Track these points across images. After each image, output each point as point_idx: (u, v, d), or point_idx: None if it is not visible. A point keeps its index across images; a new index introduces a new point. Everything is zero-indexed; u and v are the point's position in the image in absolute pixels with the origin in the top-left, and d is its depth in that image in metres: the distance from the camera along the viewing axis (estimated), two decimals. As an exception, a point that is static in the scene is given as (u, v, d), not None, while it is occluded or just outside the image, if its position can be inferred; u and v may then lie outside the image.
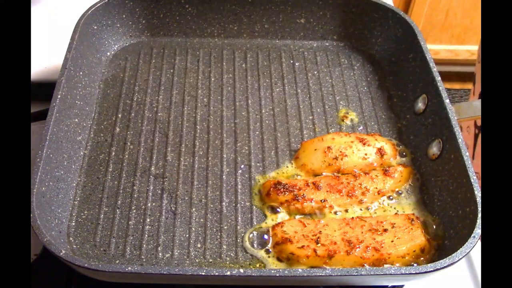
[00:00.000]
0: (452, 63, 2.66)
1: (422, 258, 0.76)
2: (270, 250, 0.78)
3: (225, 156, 0.91)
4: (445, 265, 0.67)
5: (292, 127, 0.96)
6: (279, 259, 0.76)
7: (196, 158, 0.90)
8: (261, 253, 0.78)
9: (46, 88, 0.91)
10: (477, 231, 0.70)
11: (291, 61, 1.08)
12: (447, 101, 0.87)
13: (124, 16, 1.07)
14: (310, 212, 0.82)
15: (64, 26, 1.05)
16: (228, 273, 0.66)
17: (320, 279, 0.69)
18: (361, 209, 0.83)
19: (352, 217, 0.80)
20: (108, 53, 1.06)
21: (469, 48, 2.58)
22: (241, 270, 0.66)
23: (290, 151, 0.92)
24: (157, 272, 0.66)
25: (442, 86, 0.89)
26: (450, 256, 0.68)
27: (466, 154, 0.79)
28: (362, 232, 0.77)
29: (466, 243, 0.69)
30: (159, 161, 0.89)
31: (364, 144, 0.89)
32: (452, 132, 0.83)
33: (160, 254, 0.78)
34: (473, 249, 0.69)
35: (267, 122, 0.97)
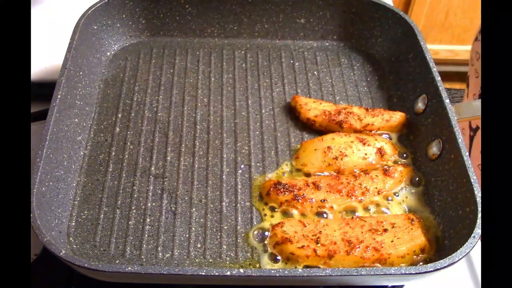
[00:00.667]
0: (452, 63, 2.67)
1: (422, 258, 0.76)
2: (270, 250, 0.77)
3: (225, 156, 0.91)
4: (445, 265, 0.67)
5: (292, 127, 0.96)
6: (278, 259, 0.76)
7: (196, 158, 0.90)
8: (261, 253, 0.78)
9: (46, 88, 0.91)
10: (477, 231, 0.70)
11: (291, 61, 1.08)
12: (447, 101, 0.87)
13: (124, 16, 1.07)
14: (310, 212, 0.82)
15: (64, 26, 1.05)
16: (228, 273, 0.66)
17: (320, 279, 0.69)
18: (361, 209, 0.83)
19: (352, 217, 0.80)
20: (108, 53, 1.06)
21: (469, 48, 2.58)
22: (241, 270, 0.66)
23: (290, 151, 0.92)
24: (157, 272, 0.66)
25: (442, 86, 0.89)
26: (450, 256, 0.68)
27: (466, 154, 0.79)
28: (362, 232, 0.77)
29: (466, 243, 0.69)
30: (159, 161, 0.89)
31: (364, 144, 0.89)
32: (452, 132, 0.83)
33: (160, 254, 0.78)
34: (473, 249, 0.69)
35: (267, 122, 0.97)
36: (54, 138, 0.82)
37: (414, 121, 0.94)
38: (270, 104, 1.00)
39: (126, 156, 0.90)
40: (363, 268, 0.69)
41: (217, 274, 0.66)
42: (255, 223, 0.82)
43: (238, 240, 0.79)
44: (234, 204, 0.84)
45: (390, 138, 0.94)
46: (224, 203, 0.84)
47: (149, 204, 0.83)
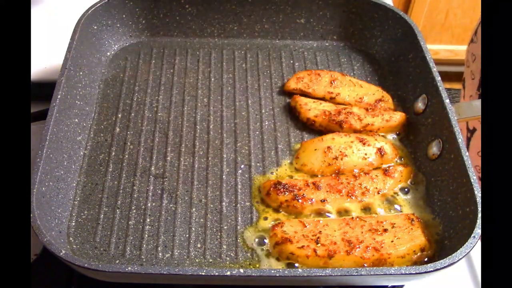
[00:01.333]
0: (452, 63, 2.66)
1: (422, 258, 0.76)
2: (270, 250, 0.77)
3: (225, 156, 0.91)
4: (445, 265, 0.67)
5: (292, 127, 0.96)
6: (278, 259, 0.76)
7: (196, 158, 0.90)
8: (261, 253, 0.78)
9: (46, 88, 0.91)
10: (477, 231, 0.70)
11: (291, 61, 1.08)
12: (447, 101, 0.87)
13: (124, 16, 1.07)
14: (310, 212, 0.82)
15: (64, 26, 1.05)
16: (228, 273, 0.66)
17: (320, 279, 0.69)
18: (361, 209, 0.83)
19: (352, 217, 0.80)
20: (108, 53, 1.06)
21: (469, 48, 2.58)
22: (241, 270, 0.66)
23: (290, 151, 0.92)
24: (157, 272, 0.66)
25: (442, 86, 0.89)
26: (450, 256, 0.68)
27: (466, 154, 0.79)
28: (362, 232, 0.77)
29: (466, 243, 0.69)
30: (159, 161, 0.89)
31: (364, 144, 0.89)
32: (452, 132, 0.83)
33: (160, 254, 0.78)
34: (473, 249, 0.69)
35: (267, 122, 0.97)
36: (54, 138, 0.82)
37: (414, 121, 0.94)
38: (270, 104, 1.00)
39: (126, 156, 0.90)
40: (363, 268, 0.69)
41: (217, 274, 0.66)
42: (255, 223, 0.82)
43: (238, 240, 0.79)
44: (234, 204, 0.84)
45: (390, 138, 0.94)
46: (224, 203, 0.84)
47: (149, 204, 0.83)
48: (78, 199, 0.84)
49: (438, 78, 0.90)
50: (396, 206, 0.84)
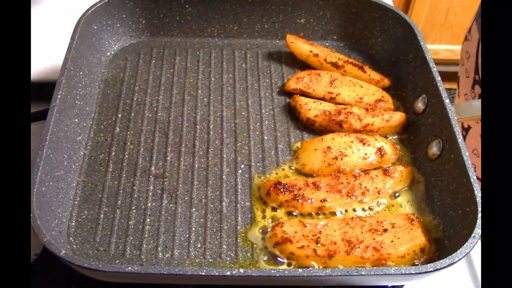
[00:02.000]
0: (452, 63, 2.66)
1: (422, 258, 0.76)
2: (270, 250, 0.77)
3: (225, 156, 0.91)
4: (445, 265, 0.67)
5: (292, 127, 0.96)
6: (278, 259, 0.76)
7: (196, 158, 0.90)
8: (261, 253, 0.78)
9: (46, 88, 0.91)
10: (477, 231, 0.70)
11: (291, 61, 1.08)
12: (447, 101, 0.87)
13: (124, 16, 1.07)
14: (310, 212, 0.82)
15: (64, 26, 1.05)
16: (228, 273, 0.66)
17: (320, 279, 0.69)
18: (361, 209, 0.83)
19: (352, 217, 0.80)
20: (108, 53, 1.06)
21: (469, 48, 2.58)
22: (241, 270, 0.66)
23: (290, 151, 0.92)
24: (157, 272, 0.66)
25: (442, 86, 0.89)
26: (450, 256, 0.68)
27: (466, 154, 0.79)
28: (362, 232, 0.77)
29: (466, 243, 0.69)
30: (159, 161, 0.89)
31: (364, 144, 0.89)
32: (452, 132, 0.83)
33: (160, 254, 0.78)
34: (473, 249, 0.69)
35: (267, 122, 0.97)
36: (54, 138, 0.82)
37: (414, 121, 0.94)
38: (270, 104, 1.00)
39: (126, 156, 0.90)
40: (363, 268, 0.69)
41: (217, 274, 0.66)
42: (255, 223, 0.82)
43: (238, 240, 0.79)
44: (234, 204, 0.84)
45: (390, 138, 0.94)
46: (224, 203, 0.84)
47: (149, 204, 0.83)
48: (78, 199, 0.84)
49: (438, 78, 0.90)
50: (396, 206, 0.84)
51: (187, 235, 0.80)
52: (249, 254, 0.78)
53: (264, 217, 0.82)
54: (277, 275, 0.66)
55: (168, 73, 1.05)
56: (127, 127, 0.94)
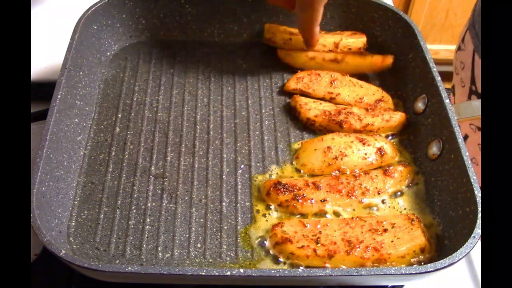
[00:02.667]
0: (452, 63, 2.66)
1: (422, 258, 0.76)
2: (270, 250, 0.77)
3: (225, 156, 0.91)
4: (445, 265, 0.67)
5: (292, 127, 0.96)
6: (278, 259, 0.76)
7: (196, 158, 0.90)
8: (261, 253, 0.78)
9: (46, 88, 0.91)
10: (477, 231, 0.70)
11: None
12: (447, 101, 0.87)
13: (124, 16, 1.07)
14: (310, 212, 0.82)
15: (64, 26, 1.05)
16: (228, 273, 0.66)
17: (320, 279, 0.69)
18: (361, 209, 0.83)
19: (352, 217, 0.80)
20: (108, 53, 1.06)
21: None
22: (241, 270, 0.66)
23: (290, 151, 0.92)
24: (157, 272, 0.66)
25: (442, 86, 0.89)
26: (450, 256, 0.68)
27: (466, 154, 0.79)
28: (362, 232, 0.77)
29: (466, 243, 0.69)
30: (159, 161, 0.89)
31: (364, 144, 0.89)
32: (452, 132, 0.83)
33: (160, 254, 0.78)
34: (473, 249, 0.69)
35: (267, 122, 0.97)
36: (54, 138, 0.82)
37: (414, 121, 0.94)
38: (270, 104, 1.00)
39: (126, 156, 0.90)
40: (363, 268, 0.69)
41: (217, 274, 0.66)
42: (255, 223, 0.82)
43: (238, 240, 0.79)
44: (234, 204, 0.84)
45: (390, 138, 0.94)
46: (224, 203, 0.84)
47: (149, 204, 0.83)
48: (78, 199, 0.84)
49: (438, 78, 0.90)
50: (396, 206, 0.84)
51: (187, 235, 0.80)
52: (249, 254, 0.78)
53: (264, 217, 0.82)
54: (277, 275, 0.66)
55: (168, 73, 1.05)
56: (127, 127, 0.94)
